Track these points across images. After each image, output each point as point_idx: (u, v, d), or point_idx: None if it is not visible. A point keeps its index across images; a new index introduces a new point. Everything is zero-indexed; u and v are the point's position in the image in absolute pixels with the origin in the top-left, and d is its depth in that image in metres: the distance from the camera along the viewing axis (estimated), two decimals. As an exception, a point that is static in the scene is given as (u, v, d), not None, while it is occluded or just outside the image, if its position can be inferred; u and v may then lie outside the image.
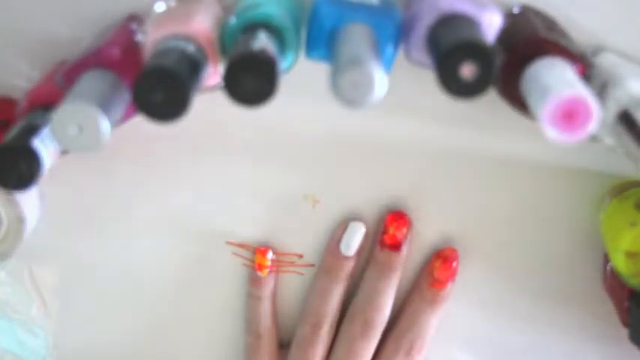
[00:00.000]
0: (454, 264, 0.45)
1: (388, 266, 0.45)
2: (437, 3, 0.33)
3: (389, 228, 0.44)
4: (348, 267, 0.45)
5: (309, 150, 0.44)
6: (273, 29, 0.33)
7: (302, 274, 0.47)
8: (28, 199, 0.41)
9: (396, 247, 0.45)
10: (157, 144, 0.43)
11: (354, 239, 0.45)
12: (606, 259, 0.45)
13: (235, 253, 0.46)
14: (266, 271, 0.46)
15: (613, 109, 0.35)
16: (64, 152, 0.36)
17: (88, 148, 0.31)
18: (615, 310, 0.43)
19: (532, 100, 0.33)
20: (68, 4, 0.39)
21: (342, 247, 0.45)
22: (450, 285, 0.45)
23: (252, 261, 0.46)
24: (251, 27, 0.33)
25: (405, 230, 0.45)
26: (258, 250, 0.46)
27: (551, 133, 0.31)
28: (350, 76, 0.30)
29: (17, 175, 0.33)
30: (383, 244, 0.45)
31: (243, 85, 0.30)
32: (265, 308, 0.47)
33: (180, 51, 0.32)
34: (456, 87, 0.30)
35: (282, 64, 0.34)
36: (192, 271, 0.47)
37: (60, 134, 0.31)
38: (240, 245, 0.46)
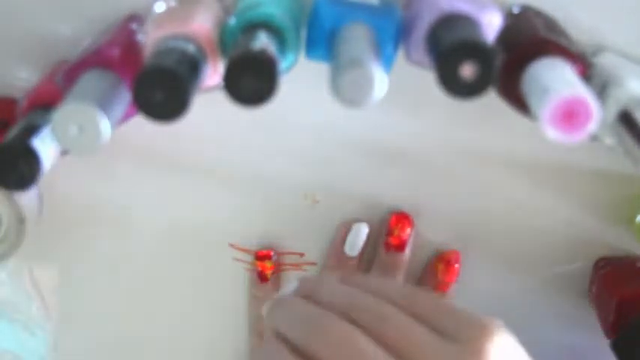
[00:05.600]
0: (456, 266, 0.45)
1: (393, 267, 0.45)
2: (437, 3, 0.33)
3: (393, 229, 0.44)
4: (352, 267, 0.45)
5: (309, 149, 0.44)
6: (273, 29, 0.33)
7: (305, 271, 0.47)
8: (28, 199, 0.41)
9: (400, 247, 0.45)
10: (156, 144, 0.43)
11: (358, 240, 0.45)
12: (594, 271, 0.45)
13: (237, 259, 0.46)
14: (269, 273, 0.46)
15: (613, 109, 0.35)
16: (64, 152, 0.36)
17: (88, 148, 0.31)
18: (599, 321, 0.44)
19: (532, 100, 0.33)
20: (68, 4, 0.39)
21: (347, 248, 0.45)
22: (452, 286, 0.45)
23: (254, 264, 0.46)
24: (251, 27, 0.33)
25: (408, 230, 0.44)
26: (258, 253, 0.46)
27: (552, 133, 0.31)
28: (350, 76, 0.30)
29: (17, 175, 0.33)
30: (388, 246, 0.45)
31: (243, 85, 0.30)
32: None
33: (180, 51, 0.32)
34: (456, 87, 0.30)
35: (282, 64, 0.34)
36: (194, 271, 0.47)
37: (60, 134, 0.31)
38: (242, 250, 0.46)
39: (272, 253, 0.46)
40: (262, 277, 0.46)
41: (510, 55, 0.35)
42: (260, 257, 0.46)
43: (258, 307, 0.46)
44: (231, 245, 0.46)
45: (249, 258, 0.46)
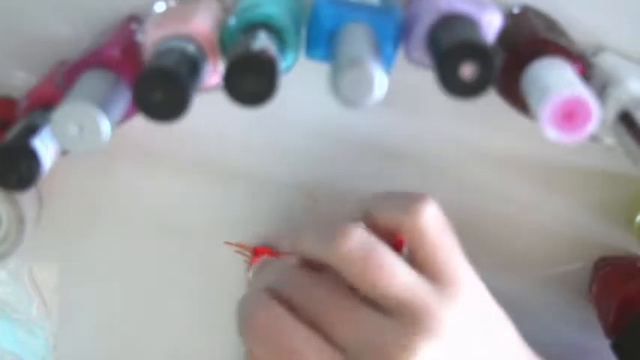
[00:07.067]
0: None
1: None
2: (437, 3, 0.33)
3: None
4: None
5: (309, 149, 0.44)
6: (273, 29, 0.33)
7: None
8: (28, 199, 0.41)
9: (398, 247, 0.45)
10: (156, 144, 0.43)
11: None
12: (593, 271, 0.45)
13: (238, 251, 0.46)
14: None
15: (613, 109, 0.35)
16: (64, 152, 0.36)
17: (88, 148, 0.31)
18: (599, 321, 0.43)
19: (532, 100, 0.33)
20: (68, 4, 0.39)
21: None
22: None
23: (252, 259, 0.46)
24: (251, 27, 0.33)
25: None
26: (256, 250, 0.46)
27: (551, 133, 0.31)
28: (350, 76, 0.30)
29: (17, 175, 0.33)
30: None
31: (243, 85, 0.30)
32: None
33: (180, 51, 0.32)
34: (456, 87, 0.30)
35: (282, 64, 0.34)
36: (193, 270, 0.47)
37: (60, 134, 0.31)
38: (239, 245, 0.46)
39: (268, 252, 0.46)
40: None
41: (510, 55, 0.35)
42: (258, 253, 0.46)
43: None
44: (227, 243, 0.46)
45: (247, 253, 0.46)
